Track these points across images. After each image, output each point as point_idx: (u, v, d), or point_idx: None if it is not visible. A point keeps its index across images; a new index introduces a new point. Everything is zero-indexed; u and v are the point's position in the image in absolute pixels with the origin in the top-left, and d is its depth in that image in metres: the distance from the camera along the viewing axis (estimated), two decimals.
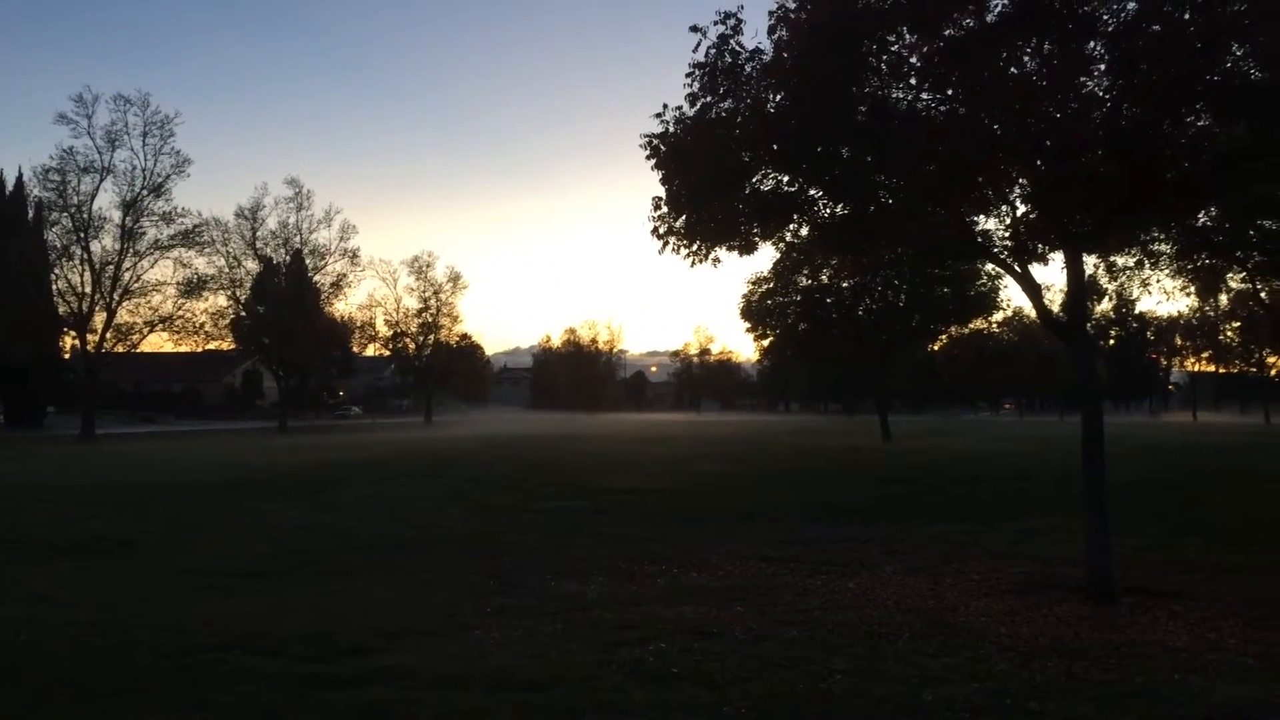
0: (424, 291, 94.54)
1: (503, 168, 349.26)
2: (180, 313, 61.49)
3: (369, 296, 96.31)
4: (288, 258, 75.26)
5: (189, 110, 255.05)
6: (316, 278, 75.93)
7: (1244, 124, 10.43)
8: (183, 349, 69.46)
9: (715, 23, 11.14)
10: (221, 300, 68.62)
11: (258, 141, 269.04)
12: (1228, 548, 14.05)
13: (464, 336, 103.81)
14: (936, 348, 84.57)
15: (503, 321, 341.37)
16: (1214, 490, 23.04)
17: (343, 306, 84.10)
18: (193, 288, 61.63)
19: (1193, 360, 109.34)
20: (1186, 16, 9.58)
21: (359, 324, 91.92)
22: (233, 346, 74.26)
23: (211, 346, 69.81)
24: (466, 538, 15.10)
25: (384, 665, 7.71)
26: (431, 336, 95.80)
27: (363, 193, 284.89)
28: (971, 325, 60.06)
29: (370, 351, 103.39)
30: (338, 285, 76.84)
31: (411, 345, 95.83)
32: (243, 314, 71.40)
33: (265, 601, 10.35)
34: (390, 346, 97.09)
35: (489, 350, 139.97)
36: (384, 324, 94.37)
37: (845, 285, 45.65)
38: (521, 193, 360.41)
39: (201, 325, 64.09)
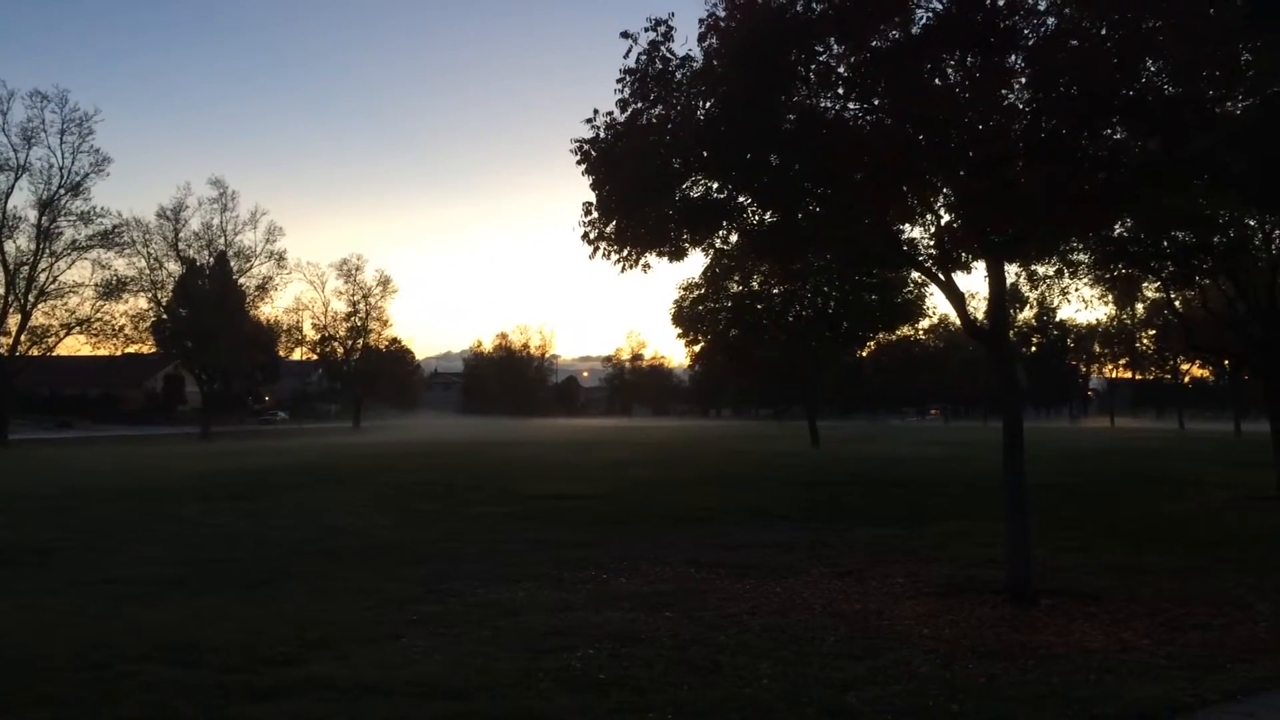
0: (353, 295, 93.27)
1: (436, 172, 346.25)
2: (99, 315, 59.88)
3: (296, 300, 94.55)
4: (211, 260, 73.68)
5: (109, 108, 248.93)
6: (241, 280, 74.45)
7: (1157, 138, 10.77)
8: (101, 352, 67.62)
9: (646, 29, 11.16)
10: (142, 303, 66.87)
11: (181, 142, 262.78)
12: (1143, 550, 14.45)
13: (394, 341, 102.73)
14: (865, 354, 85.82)
15: (434, 326, 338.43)
16: (1130, 494, 23.72)
17: (269, 310, 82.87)
18: (112, 290, 59.99)
19: (1111, 367, 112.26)
20: (1104, 32, 9.86)
21: (285, 328, 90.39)
22: (154, 350, 72.59)
23: (131, 350, 68.06)
24: (393, 545, 14.91)
25: (306, 675, 7.57)
26: (360, 341, 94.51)
27: (291, 195, 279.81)
28: (899, 332, 61.14)
29: (297, 356, 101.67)
30: (263, 288, 75.47)
31: (340, 349, 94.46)
32: (164, 317, 69.73)
33: (184, 611, 10.09)
34: (318, 351, 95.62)
35: (420, 355, 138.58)
36: (311, 328, 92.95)
37: (776, 292, 46.07)
38: (454, 197, 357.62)
39: (121, 328, 62.38)
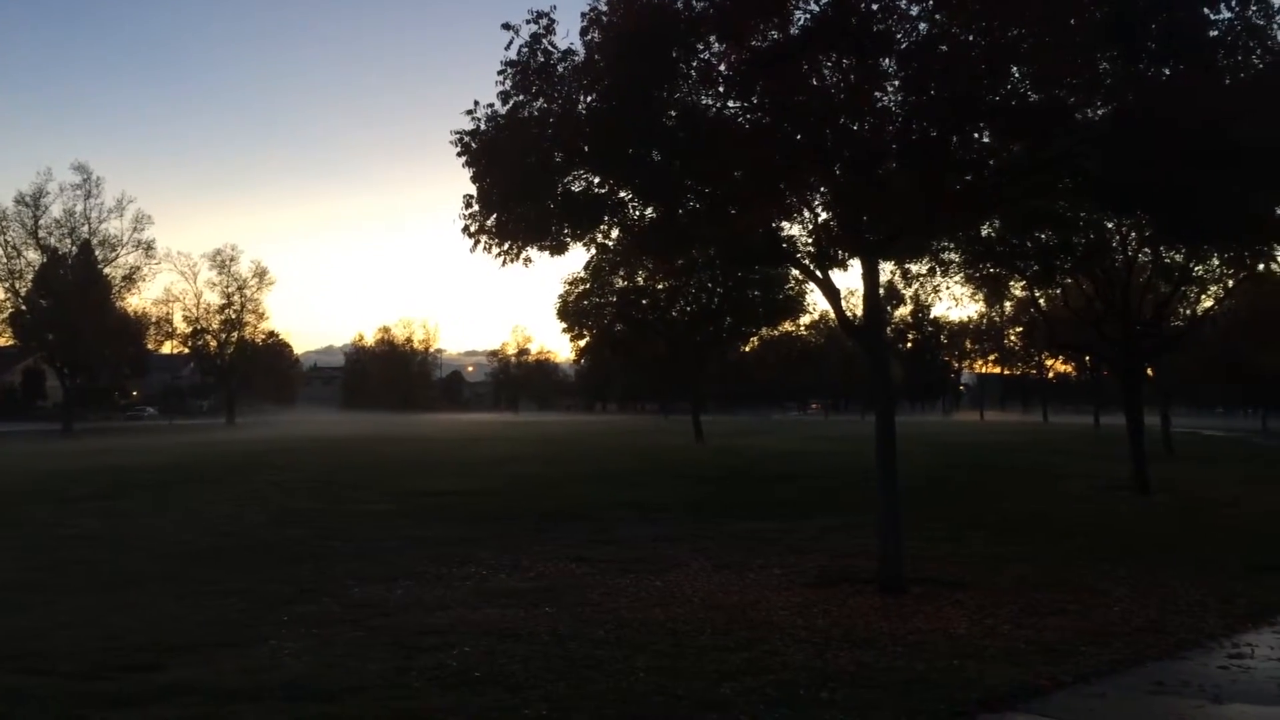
0: (227, 287, 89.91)
1: (317, 163, 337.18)
2: None
3: (166, 291, 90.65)
4: (74, 249, 70.42)
5: None
6: (107, 270, 71.38)
7: (1022, 142, 11.22)
8: None
9: (528, 21, 11.08)
10: None
11: (41, 126, 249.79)
12: (1008, 540, 15.04)
13: (271, 334, 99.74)
14: (748, 349, 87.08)
15: (316, 319, 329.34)
16: (997, 485, 24.68)
17: (136, 301, 79.53)
18: None
19: (981, 363, 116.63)
20: (972, 39, 10.19)
21: (155, 320, 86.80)
22: (11, 343, 68.91)
23: None
24: (266, 544, 14.47)
25: (168, 682, 7.27)
26: (235, 334, 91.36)
27: (163, 185, 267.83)
28: (781, 328, 62.26)
29: (167, 349, 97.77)
30: (130, 279, 72.61)
31: (213, 343, 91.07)
32: (23, 308, 66.28)
33: (37, 616, 9.59)
34: (189, 344, 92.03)
35: (299, 349, 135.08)
36: (183, 320, 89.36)
37: (660, 287, 46.37)
38: (336, 189, 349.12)
39: None
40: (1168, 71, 10.60)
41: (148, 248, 72.66)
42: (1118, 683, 7.50)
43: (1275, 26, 10.70)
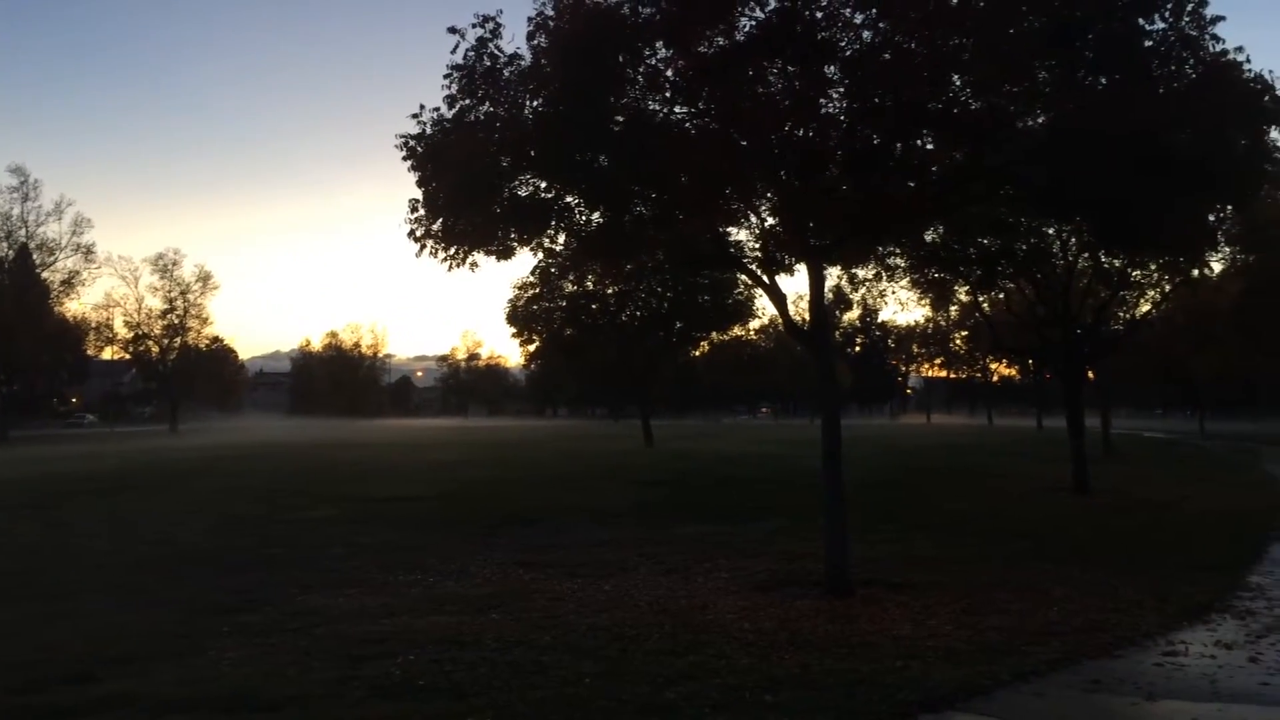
0: (169, 291, 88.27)
1: (263, 167, 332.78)
2: None
3: (107, 296, 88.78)
4: (11, 253, 68.80)
5: None
6: (45, 274, 69.76)
7: (964, 149, 11.39)
8: None
9: (474, 25, 11.06)
10: None
11: None
12: (952, 541, 15.24)
13: (215, 339, 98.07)
14: (698, 354, 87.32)
15: (263, 325, 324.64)
16: (942, 487, 24.99)
17: (76, 306, 77.81)
18: None
19: (928, 366, 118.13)
20: (915, 48, 10.33)
21: (95, 325, 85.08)
22: None
23: None
24: (208, 553, 14.23)
25: (104, 693, 7.11)
26: (178, 339, 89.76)
27: (106, 189, 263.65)
28: (730, 332, 62.49)
29: (108, 355, 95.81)
30: (69, 283, 71.04)
31: (155, 348, 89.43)
32: None
33: None
34: (131, 350, 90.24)
35: (246, 354, 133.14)
36: (124, 325, 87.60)
37: (610, 291, 46.35)
38: (283, 193, 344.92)
39: None
40: (1105, 81, 10.80)
41: (87, 251, 71.28)
42: (1056, 681, 7.64)
43: (1207, 37, 10.94)
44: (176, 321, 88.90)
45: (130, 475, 28.31)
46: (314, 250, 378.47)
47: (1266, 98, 10.87)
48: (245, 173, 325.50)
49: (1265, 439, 54.67)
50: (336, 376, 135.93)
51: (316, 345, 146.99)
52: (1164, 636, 9.07)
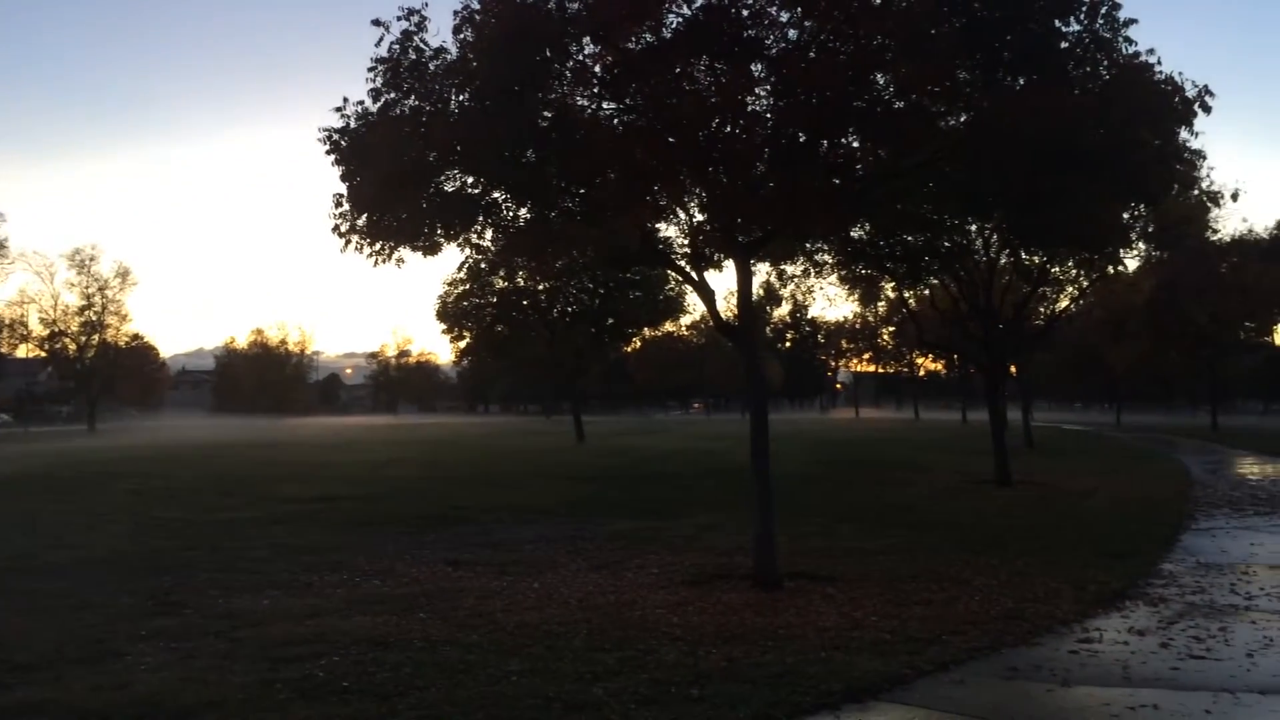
0: (87, 287, 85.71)
1: (191, 162, 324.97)
2: None
3: (21, 292, 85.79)
4: None
5: None
6: None
7: (887, 147, 11.56)
8: None
9: (399, 18, 10.93)
10: None
11: None
12: (878, 532, 15.47)
13: (135, 337, 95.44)
14: (630, 350, 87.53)
15: (186, 322, 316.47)
16: (869, 480, 25.37)
17: None
18: None
19: (856, 361, 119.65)
20: (838, 46, 10.46)
21: (8, 322, 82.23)
22: None
23: None
24: (126, 556, 13.84)
25: (13, 702, 6.88)
26: (96, 336, 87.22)
27: (17, 183, 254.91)
28: (662, 328, 62.74)
29: (23, 353, 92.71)
30: None
31: (72, 346, 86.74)
32: None
33: None
34: (46, 347, 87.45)
35: (168, 351, 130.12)
36: (39, 322, 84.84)
37: (541, 288, 46.22)
38: (210, 187, 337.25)
39: None
40: (1022, 81, 11.05)
41: (0, 246, 68.86)
42: (975, 669, 7.80)
43: (1121, 39, 11.24)
44: (94, 318, 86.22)
45: (44, 477, 27.44)
46: (241, 246, 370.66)
47: (1176, 99, 11.19)
48: (171, 169, 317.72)
49: (1177, 430, 56.55)
50: (262, 374, 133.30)
51: (242, 343, 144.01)
52: (1080, 624, 9.33)
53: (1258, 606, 10.10)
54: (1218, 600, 10.40)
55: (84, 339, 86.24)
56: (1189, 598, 10.54)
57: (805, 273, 24.12)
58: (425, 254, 11.96)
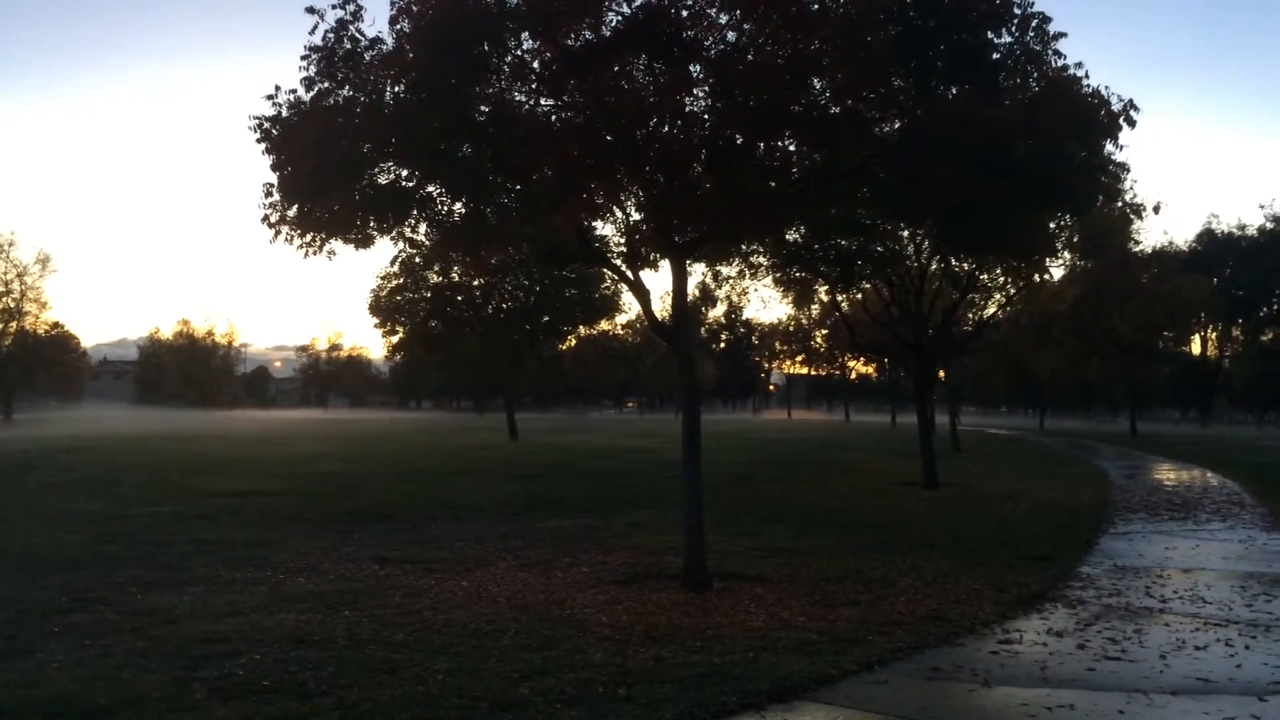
0: (4, 274, 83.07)
1: (115, 149, 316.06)
2: None
3: None
4: None
5: None
6: None
7: (822, 151, 11.67)
8: None
9: (334, 6, 10.75)
10: None
11: None
12: (806, 534, 15.62)
13: (55, 325, 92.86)
14: (565, 348, 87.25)
15: (109, 312, 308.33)
16: (799, 481, 25.60)
17: None
18: None
19: (789, 363, 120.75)
20: (776, 50, 10.53)
21: None
22: None
23: None
24: (40, 550, 13.40)
25: None
26: (14, 324, 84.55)
27: None
28: (597, 327, 62.67)
29: None
30: None
31: None
32: None
33: None
34: None
35: (89, 341, 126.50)
36: None
37: (476, 284, 45.89)
38: (137, 172, 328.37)
39: None
40: (955, 90, 11.23)
41: None
42: (899, 669, 7.91)
43: (1050, 52, 11.49)
44: (12, 305, 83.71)
45: None
46: (166, 236, 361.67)
47: (1103, 112, 11.46)
48: (94, 154, 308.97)
49: (1098, 436, 58.06)
50: (187, 366, 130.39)
51: (167, 333, 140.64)
52: (1000, 625, 9.51)
53: (1171, 609, 10.39)
54: (1133, 603, 10.68)
55: (1, 327, 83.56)
56: (1106, 600, 10.81)
57: (740, 274, 24.19)
58: (358, 247, 11.79)
